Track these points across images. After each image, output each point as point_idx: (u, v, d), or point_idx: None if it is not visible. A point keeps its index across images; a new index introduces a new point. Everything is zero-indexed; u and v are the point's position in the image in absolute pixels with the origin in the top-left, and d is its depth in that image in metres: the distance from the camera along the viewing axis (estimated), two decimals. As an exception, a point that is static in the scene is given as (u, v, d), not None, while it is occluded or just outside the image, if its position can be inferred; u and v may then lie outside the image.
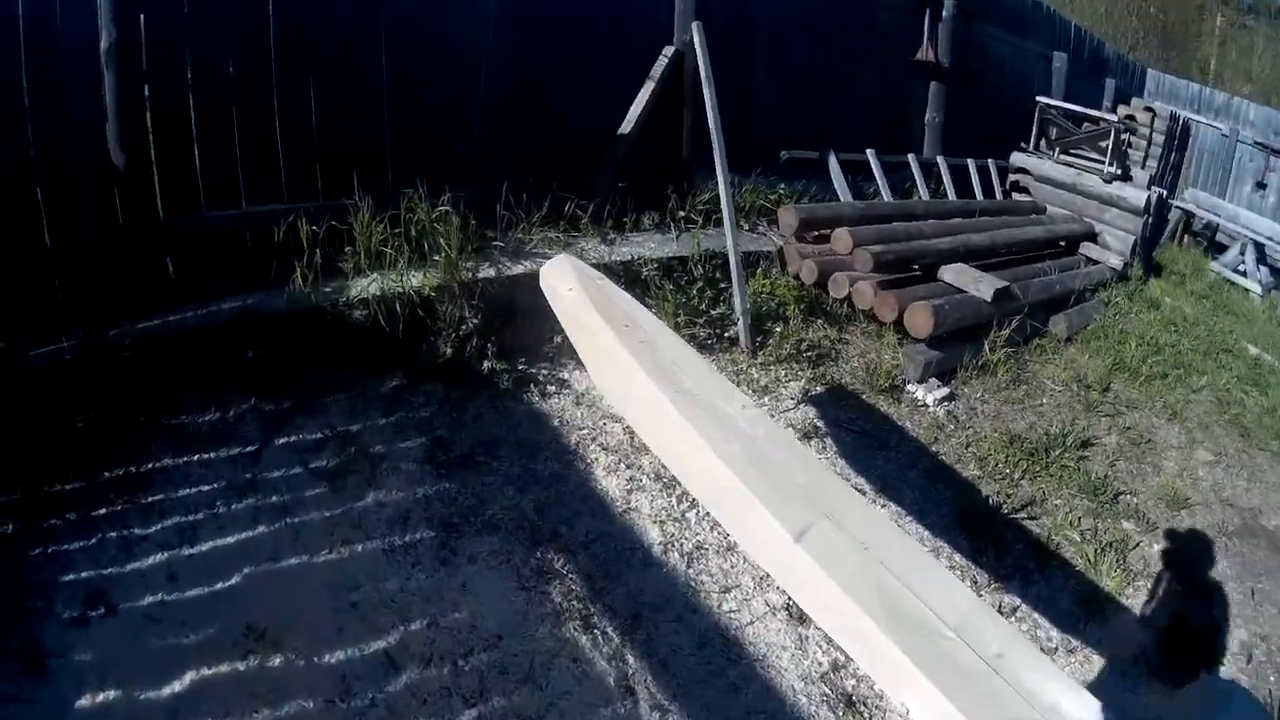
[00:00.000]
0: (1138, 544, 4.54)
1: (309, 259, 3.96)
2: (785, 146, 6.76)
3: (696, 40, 5.18)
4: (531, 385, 4.17)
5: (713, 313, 4.86)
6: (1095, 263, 8.39)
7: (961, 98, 8.76)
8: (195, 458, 3.37)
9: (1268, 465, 6.15)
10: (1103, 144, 8.61)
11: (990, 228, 7.04)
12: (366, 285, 4.00)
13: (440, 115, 4.85)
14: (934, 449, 4.71)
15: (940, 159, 8.37)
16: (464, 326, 4.10)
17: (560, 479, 3.68)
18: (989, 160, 9.08)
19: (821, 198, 6.68)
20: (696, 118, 5.73)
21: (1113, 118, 8.74)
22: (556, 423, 3.99)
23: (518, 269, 4.43)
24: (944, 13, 8.33)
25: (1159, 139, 11.66)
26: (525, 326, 4.35)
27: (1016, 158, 9.23)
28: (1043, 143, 9.31)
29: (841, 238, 5.46)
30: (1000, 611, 3.78)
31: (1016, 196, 9.18)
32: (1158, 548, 4.63)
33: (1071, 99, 9.88)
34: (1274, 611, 4.51)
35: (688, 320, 4.75)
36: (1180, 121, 12.44)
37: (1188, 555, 4.68)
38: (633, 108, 5.57)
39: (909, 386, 5.13)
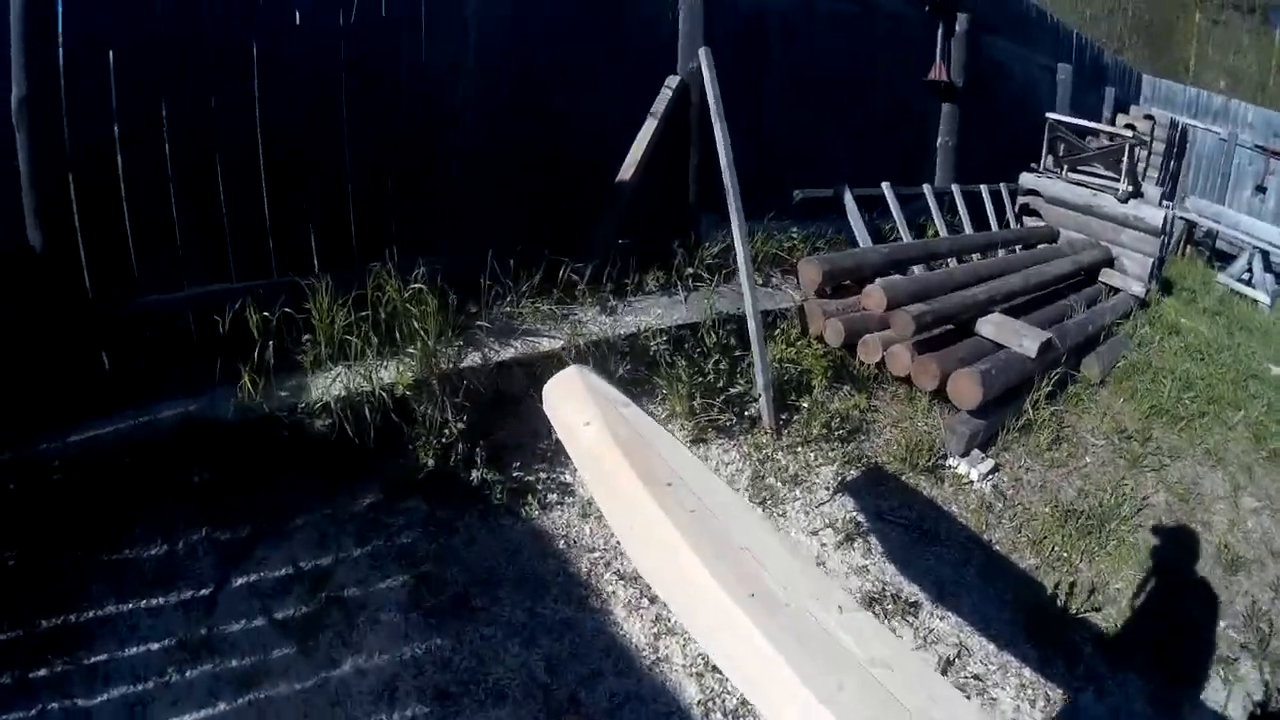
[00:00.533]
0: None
1: (260, 352, 3.33)
2: (797, 183, 6.14)
3: (705, 68, 4.59)
4: (529, 495, 3.55)
5: (731, 390, 4.28)
6: (1116, 290, 7.91)
7: (972, 117, 8.21)
8: (142, 603, 2.79)
9: None
10: (1117, 161, 8.10)
11: (1019, 265, 6.51)
12: (329, 384, 3.37)
13: (414, 175, 4.19)
14: (986, 537, 4.20)
15: (955, 187, 7.82)
16: (446, 430, 3.47)
17: (573, 625, 3.06)
18: (1000, 184, 8.52)
19: (838, 240, 6.11)
20: (704, 157, 5.07)
21: (1128, 133, 8.23)
22: (562, 544, 3.38)
23: (507, 352, 3.81)
24: (957, 27, 7.74)
25: (1159, 147, 11.23)
26: (517, 422, 3.76)
27: (1026, 179, 8.70)
28: (1050, 160, 8.80)
29: (874, 295, 4.85)
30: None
31: (1028, 220, 8.66)
32: (1222, 624, 4.30)
33: (1075, 111, 9.46)
34: None
35: (704, 404, 4.15)
36: (1179, 128, 12.07)
37: (1247, 626, 4.38)
38: (633, 150, 4.90)
39: (950, 461, 4.59)
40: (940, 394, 4.74)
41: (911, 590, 3.63)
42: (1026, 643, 3.64)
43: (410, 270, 3.71)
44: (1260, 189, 12.84)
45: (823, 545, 3.72)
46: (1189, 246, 12.01)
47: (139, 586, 2.82)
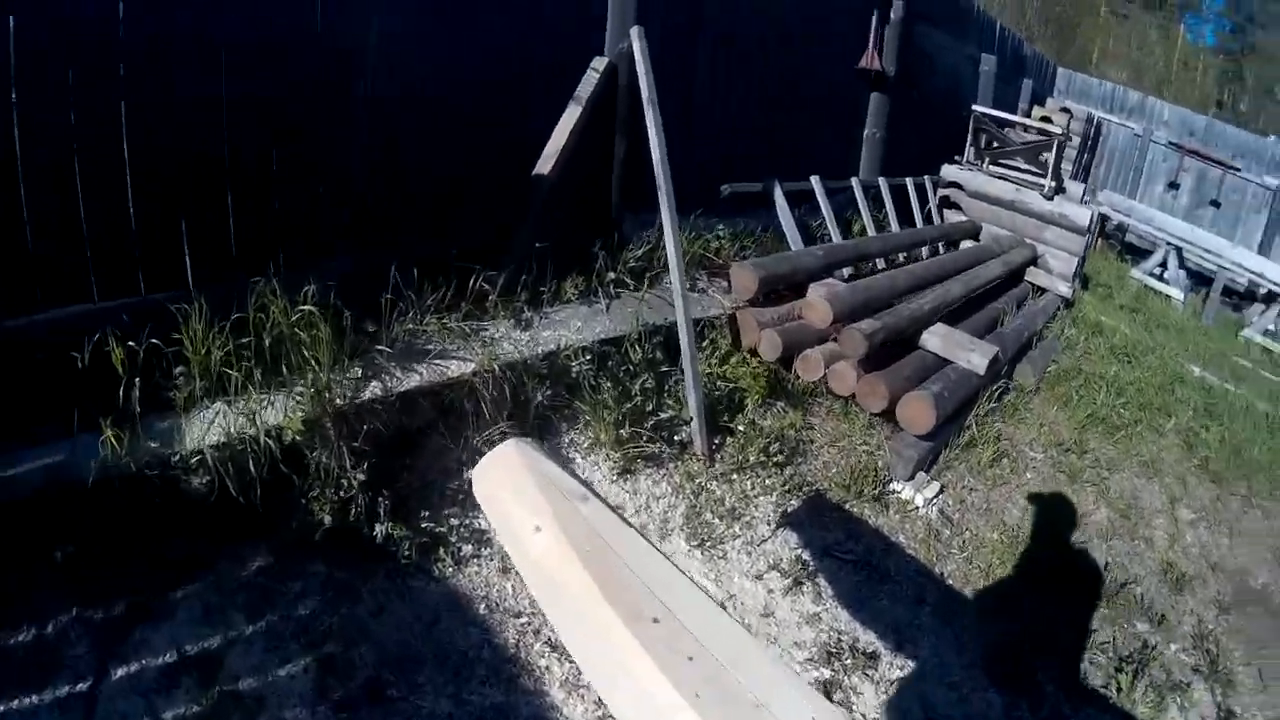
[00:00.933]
0: (1154, 647, 4.19)
1: (126, 390, 2.84)
2: (727, 176, 5.87)
3: (637, 50, 4.24)
4: (441, 550, 3.14)
5: (661, 415, 3.98)
6: (1042, 290, 7.89)
7: (901, 108, 8.10)
8: (14, 703, 2.33)
9: (1237, 510, 6.17)
10: (1044, 156, 8.10)
11: (953, 267, 6.42)
12: (205, 430, 2.90)
13: (304, 171, 3.70)
14: (938, 570, 4.03)
15: (882, 180, 7.71)
16: (344, 482, 3.05)
17: (506, 713, 2.69)
18: (925, 177, 8.44)
19: (766, 238, 5.87)
20: (630, 149, 4.74)
21: (1057, 129, 8.25)
22: (483, 608, 2.99)
23: (411, 380, 3.41)
24: (892, 14, 7.58)
25: (1074, 140, 11.40)
26: (423, 461, 3.38)
27: (948, 171, 8.67)
28: (972, 153, 8.76)
29: (818, 308, 4.61)
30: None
31: (949, 214, 8.62)
32: (1174, 649, 4.32)
33: (995, 103, 9.48)
34: None
35: (632, 432, 3.84)
36: (1094, 122, 12.30)
37: (1196, 648, 4.45)
38: (553, 140, 4.48)
39: (895, 485, 4.40)
40: (887, 414, 4.54)
41: (868, 639, 3.42)
42: (991, 687, 3.49)
43: (300, 285, 3.24)
44: (1173, 185, 13.26)
45: (770, 592, 3.46)
46: (1100, 240, 12.28)
47: (7, 683, 2.37)
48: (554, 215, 4.37)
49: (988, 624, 3.82)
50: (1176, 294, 11.33)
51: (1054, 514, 4.86)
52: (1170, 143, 13.64)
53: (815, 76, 7.04)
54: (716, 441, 4.14)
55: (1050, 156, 8.02)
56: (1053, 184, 8.12)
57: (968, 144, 8.68)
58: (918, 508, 4.31)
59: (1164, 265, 11.57)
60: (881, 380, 4.35)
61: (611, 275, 4.55)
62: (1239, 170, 13.36)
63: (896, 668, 3.34)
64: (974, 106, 8.63)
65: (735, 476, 4.01)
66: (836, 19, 7.23)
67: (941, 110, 9.09)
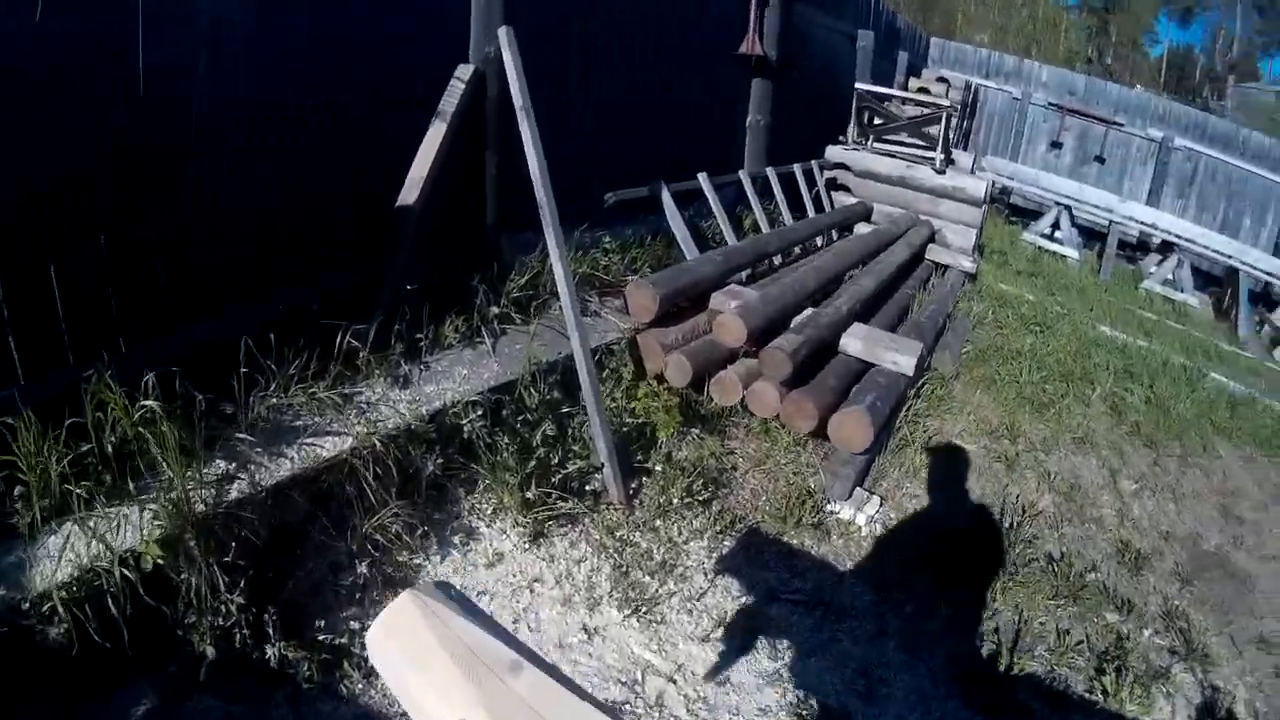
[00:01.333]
0: (1128, 637, 4.12)
1: None
2: (610, 183, 5.53)
3: (506, 53, 3.87)
4: (345, 663, 2.71)
5: (568, 466, 3.62)
6: (945, 268, 7.82)
7: (784, 93, 7.90)
8: None
9: (1176, 472, 6.30)
10: (931, 130, 8.03)
11: (859, 255, 6.27)
12: (55, 567, 2.40)
13: (140, 228, 3.13)
14: (893, 594, 3.79)
15: (770, 170, 7.52)
16: (222, 605, 2.62)
17: None
18: (812, 162, 8.31)
19: (657, 246, 5.58)
20: (504, 165, 4.38)
21: (944, 101, 8.22)
22: (403, 724, 2.61)
23: (281, 468, 2.96)
24: (772, -6, 7.35)
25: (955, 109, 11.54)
26: (309, 559, 2.96)
27: (833, 152, 8.58)
28: (856, 132, 8.68)
29: (731, 327, 4.28)
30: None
31: (838, 197, 8.49)
32: (1147, 634, 4.29)
33: (874, 78, 9.46)
34: (1255, 650, 4.48)
35: (540, 494, 3.47)
36: (972, 89, 12.50)
37: (1169, 629, 4.44)
38: (416, 164, 4.01)
39: (833, 506, 4.15)
40: (818, 432, 4.28)
41: (836, 692, 3.14)
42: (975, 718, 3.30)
43: (142, 369, 2.78)
44: (1055, 145, 13.63)
45: (720, 654, 3.14)
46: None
47: None
48: (424, 250, 3.97)
49: (957, 641, 3.66)
50: (1072, 253, 11.55)
51: (998, 510, 4.75)
52: (1050, 103, 14.09)
53: (696, 67, 6.78)
54: (633, 485, 3.83)
55: (939, 130, 7.97)
56: (943, 157, 8.12)
57: (851, 123, 8.60)
58: (860, 528, 4.08)
59: (1056, 225, 11.80)
60: (808, 398, 4.08)
61: (495, 310, 4.18)
62: (1122, 125, 13.80)
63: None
64: (856, 84, 8.59)
65: (659, 523, 3.70)
66: (714, 3, 6.98)
67: (823, 91, 8.99)
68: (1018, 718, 3.41)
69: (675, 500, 3.81)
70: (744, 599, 3.43)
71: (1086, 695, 3.74)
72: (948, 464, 4.98)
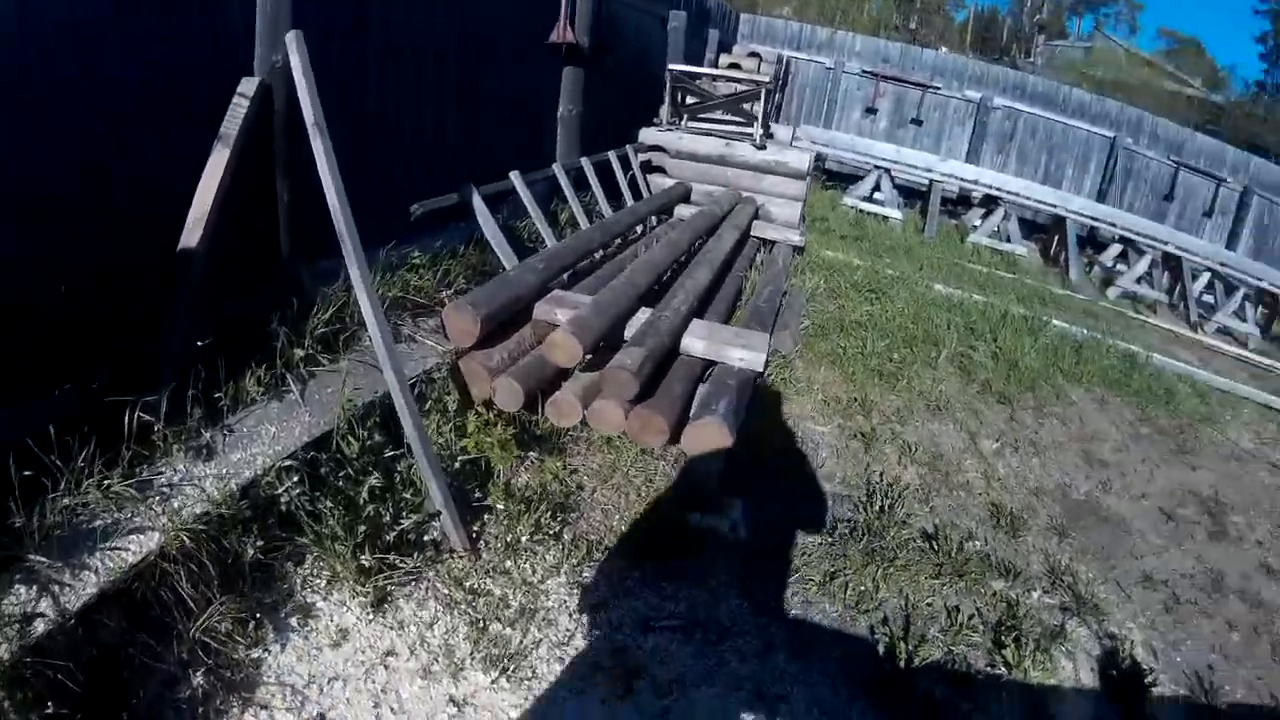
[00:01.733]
0: (1018, 602, 4.21)
1: None
2: (416, 193, 5.16)
3: (296, 63, 3.48)
4: None
5: (402, 521, 3.33)
6: (773, 243, 7.83)
7: (596, 80, 7.73)
8: None
9: (1033, 424, 6.61)
10: (750, 106, 8.07)
11: (688, 243, 6.15)
12: None
13: None
14: (773, 602, 3.71)
15: (584, 160, 7.35)
16: None
17: None
18: (627, 147, 8.18)
19: (470, 254, 5.28)
20: (296, 189, 3.96)
21: (763, 78, 8.26)
22: None
23: (86, 585, 2.48)
24: (583, -19, 7.13)
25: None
26: (138, 683, 2.57)
27: (647, 135, 8.51)
28: (670, 113, 8.65)
29: (566, 347, 3.95)
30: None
31: (655, 179, 8.41)
32: (1036, 596, 4.44)
33: (687, 59, 9.42)
34: (1142, 590, 4.81)
35: (377, 561, 3.17)
36: (784, 62, 12.74)
37: (1056, 586, 4.64)
38: (197, 200, 3.48)
39: (694, 516, 3.98)
40: (671, 442, 4.08)
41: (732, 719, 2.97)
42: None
43: None
44: (870, 110, 14.02)
45: (603, 703, 2.93)
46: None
47: None
48: (213, 297, 3.53)
49: (848, 641, 3.62)
50: (894, 213, 11.88)
51: (867, 492, 4.75)
52: (865, 71, 14.65)
53: (504, 60, 6.50)
54: (476, 527, 3.58)
55: (758, 106, 8.01)
56: (762, 132, 8.16)
57: (665, 105, 8.57)
58: (725, 534, 3.96)
59: (876, 188, 12.12)
60: (656, 412, 3.86)
61: (299, 352, 3.78)
62: (939, 89, 14.39)
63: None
64: (669, 65, 8.55)
65: (510, 564, 3.46)
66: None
67: (637, 76, 8.90)
68: (925, 709, 3.37)
69: (524, 537, 3.58)
70: (616, 636, 3.25)
71: (990, 670, 3.79)
72: (804, 450, 4.95)
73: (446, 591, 3.28)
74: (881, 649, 3.60)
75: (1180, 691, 4.53)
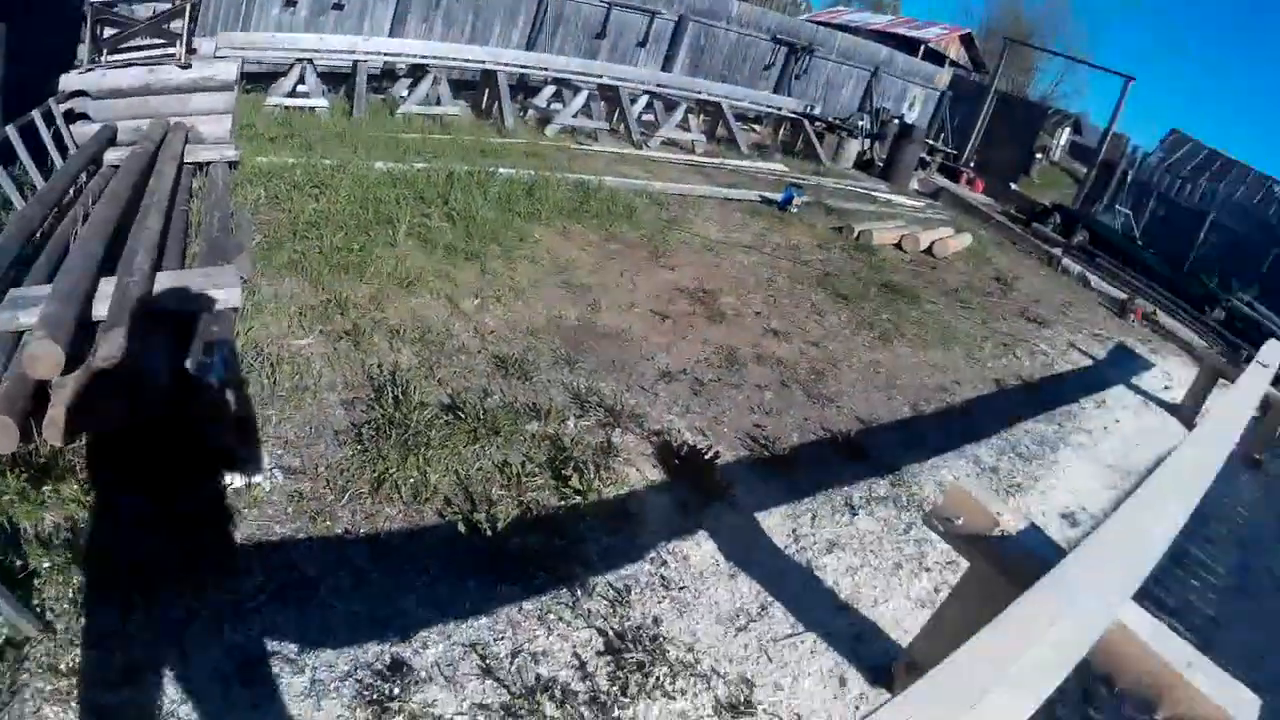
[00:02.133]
0: (559, 436, 4.80)
1: None
2: None
3: None
4: None
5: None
6: (208, 164, 7.49)
7: (14, 38, 6.93)
8: None
9: (506, 273, 7.09)
10: (174, 25, 7.84)
11: (126, 189, 5.65)
12: None
13: None
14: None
15: (10, 129, 6.22)
16: None
17: None
18: (49, 101, 7.13)
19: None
20: None
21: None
22: None
23: None
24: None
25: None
26: None
27: (69, 80, 7.48)
28: (89, 50, 7.81)
29: (46, 359, 3.36)
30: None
31: (83, 129, 7.57)
32: (572, 424, 5.02)
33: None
34: (666, 385, 5.70)
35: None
36: None
37: (583, 406, 5.30)
38: None
39: (227, 479, 3.83)
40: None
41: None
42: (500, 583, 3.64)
43: None
44: (290, 3, 13.23)
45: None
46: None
47: None
48: None
49: (425, 536, 3.81)
50: (321, 103, 11.80)
51: (368, 386, 4.82)
52: None
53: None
54: (36, 602, 2.97)
55: (183, 23, 7.72)
56: (185, 51, 7.81)
57: (85, 43, 7.75)
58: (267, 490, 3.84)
59: (300, 81, 11.77)
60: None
61: None
62: None
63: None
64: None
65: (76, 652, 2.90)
66: None
67: (61, 20, 7.89)
68: (524, 561, 3.74)
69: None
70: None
71: (567, 503, 4.23)
72: (293, 374, 4.74)
73: (53, 687, 2.75)
74: (462, 527, 3.84)
75: (741, 454, 5.34)
